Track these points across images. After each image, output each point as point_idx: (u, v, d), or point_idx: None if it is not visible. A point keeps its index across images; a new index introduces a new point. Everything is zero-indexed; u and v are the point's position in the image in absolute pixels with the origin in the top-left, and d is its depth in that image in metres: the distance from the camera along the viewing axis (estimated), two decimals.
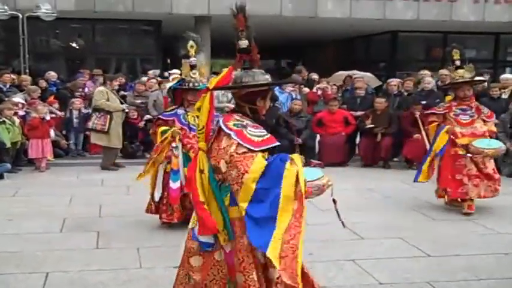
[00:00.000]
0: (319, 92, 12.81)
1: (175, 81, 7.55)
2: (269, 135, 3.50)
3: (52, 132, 11.60)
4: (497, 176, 7.89)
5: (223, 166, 3.40)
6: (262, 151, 3.41)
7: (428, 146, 9.98)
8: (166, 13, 18.00)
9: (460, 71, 7.75)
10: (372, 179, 10.46)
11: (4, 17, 16.33)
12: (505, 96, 11.82)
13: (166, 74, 15.50)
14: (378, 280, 5.18)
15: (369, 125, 11.59)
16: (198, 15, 18.07)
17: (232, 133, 3.40)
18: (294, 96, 12.49)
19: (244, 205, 3.33)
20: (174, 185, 6.67)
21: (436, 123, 8.04)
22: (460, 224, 7.27)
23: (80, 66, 17.95)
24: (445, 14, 19.28)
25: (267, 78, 3.65)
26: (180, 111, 6.81)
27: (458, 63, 7.77)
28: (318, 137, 12.29)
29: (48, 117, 11.20)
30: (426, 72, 13.19)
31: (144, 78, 14.27)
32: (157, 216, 6.90)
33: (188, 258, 3.62)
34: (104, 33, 20.96)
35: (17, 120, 10.82)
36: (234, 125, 3.46)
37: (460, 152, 7.72)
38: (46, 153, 11.11)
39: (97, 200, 8.37)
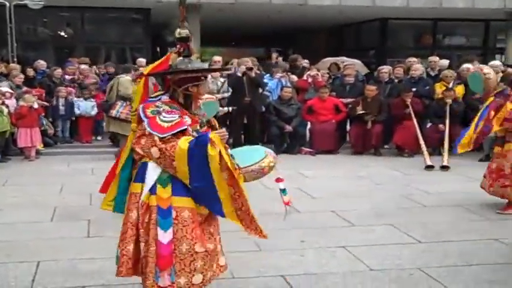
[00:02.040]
0: (310, 80, 12.79)
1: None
2: (179, 119, 3.65)
3: (44, 121, 11.57)
4: None
5: (154, 153, 3.61)
6: (172, 135, 3.61)
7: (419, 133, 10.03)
8: (155, 1, 17.94)
9: None
10: (363, 166, 10.48)
11: None
12: None
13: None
14: (369, 266, 5.20)
15: (360, 111, 11.60)
16: (188, 3, 17.99)
17: (145, 120, 3.64)
18: (283, 84, 12.48)
19: (187, 182, 3.63)
20: None
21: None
22: (451, 211, 7.29)
23: (68, 55, 17.84)
24: (434, 1, 19.31)
25: (202, 66, 3.88)
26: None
27: None
28: (309, 125, 12.29)
29: (36, 106, 11.13)
30: (414, 59, 13.19)
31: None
32: None
33: None
34: (93, 21, 20.82)
35: (5, 110, 10.74)
36: (151, 111, 3.68)
37: None
38: (35, 142, 11.06)
39: (88, 189, 8.31)
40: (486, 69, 8.09)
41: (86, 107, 12.47)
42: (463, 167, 9.95)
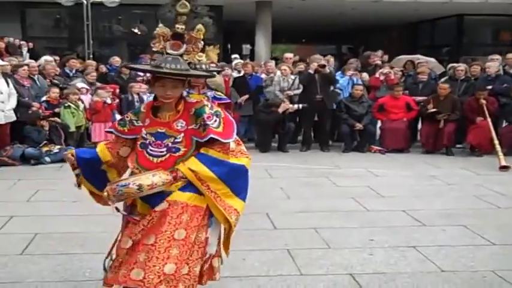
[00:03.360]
0: (382, 77, 12.62)
1: None
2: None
3: (118, 117, 11.83)
4: None
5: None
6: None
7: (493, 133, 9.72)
8: None
9: None
10: (434, 165, 10.27)
11: (69, 3, 16.69)
12: None
13: (232, 57, 15.56)
14: (440, 268, 5.09)
15: (431, 109, 11.37)
16: (259, 0, 18.05)
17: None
18: (355, 81, 12.37)
19: None
20: None
21: None
22: None
23: (141, 51, 18.19)
24: None
25: (173, 67, 3.64)
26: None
27: None
28: (379, 123, 12.15)
29: (109, 101, 11.40)
30: (497, 56, 12.82)
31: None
32: None
33: None
34: None
35: (81, 105, 11.06)
36: (133, 112, 3.88)
37: None
38: (108, 136, 11.29)
39: None
40: None
41: None
42: None
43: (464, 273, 4.96)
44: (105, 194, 3.56)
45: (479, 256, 5.42)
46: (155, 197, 3.52)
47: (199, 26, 3.71)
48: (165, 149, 3.60)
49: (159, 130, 3.63)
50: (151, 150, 3.61)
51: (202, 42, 6.99)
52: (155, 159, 3.60)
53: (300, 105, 11.44)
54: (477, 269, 5.06)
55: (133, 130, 3.73)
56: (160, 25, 3.69)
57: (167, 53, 3.67)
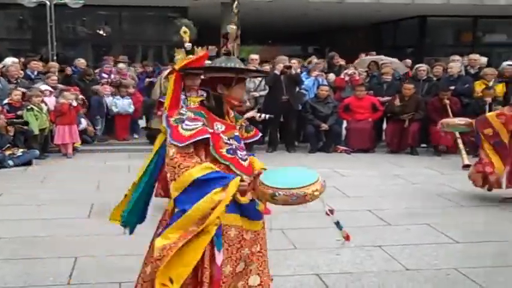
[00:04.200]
0: (347, 78, 12.71)
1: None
2: (201, 127, 3.30)
3: (84, 121, 11.74)
4: None
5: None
6: (190, 144, 3.26)
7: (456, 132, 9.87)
8: None
9: None
10: (399, 165, 10.38)
11: (32, 5, 16.46)
12: None
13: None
14: (405, 266, 5.15)
15: (398, 103, 11.49)
16: (225, 1, 18.02)
17: (169, 130, 3.32)
18: (320, 82, 12.43)
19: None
20: None
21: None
22: (488, 211, 7.19)
23: (106, 53, 18.05)
24: None
25: (235, 65, 3.41)
26: (182, 96, 6.78)
27: None
28: (345, 123, 12.23)
29: (75, 103, 11.28)
30: (457, 57, 13.02)
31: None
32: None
33: None
34: (131, 20, 21.04)
35: (44, 107, 10.92)
36: (175, 120, 3.34)
37: None
38: (74, 139, 11.20)
39: (124, 186, 8.34)
40: None
41: (123, 104, 12.57)
42: None
43: (428, 272, 5.03)
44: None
45: (443, 254, 5.50)
46: (254, 209, 3.42)
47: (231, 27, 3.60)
48: (244, 152, 3.52)
49: (235, 133, 3.51)
50: (240, 154, 3.47)
51: (190, 44, 6.98)
52: (245, 163, 3.48)
53: (267, 116, 11.31)
54: (441, 267, 5.13)
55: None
56: (233, 25, 3.59)
57: (226, 54, 3.51)
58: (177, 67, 3.24)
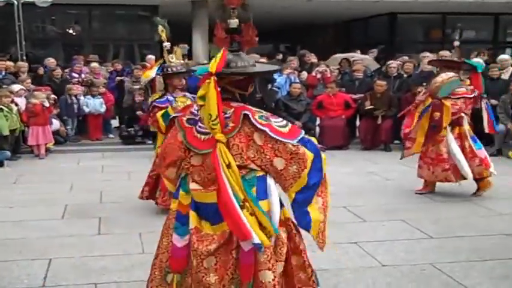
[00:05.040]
0: (319, 76, 12.76)
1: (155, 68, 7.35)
2: (288, 123, 3.36)
3: (56, 121, 11.61)
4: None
5: (279, 163, 3.21)
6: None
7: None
8: None
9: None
10: (373, 162, 10.45)
11: None
12: (504, 76, 11.78)
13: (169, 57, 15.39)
14: (381, 262, 5.18)
15: (368, 106, 11.57)
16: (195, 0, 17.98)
17: (267, 129, 3.21)
18: (292, 80, 12.45)
19: (293, 194, 3.30)
20: None
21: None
22: (462, 206, 7.27)
23: (76, 52, 17.85)
24: None
25: (264, 62, 3.52)
26: (170, 97, 6.75)
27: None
28: (318, 120, 12.27)
29: (47, 104, 11.15)
30: (428, 54, 13.13)
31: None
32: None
33: (201, 261, 3.26)
34: (101, 19, 20.84)
35: (14, 108, 10.76)
36: (260, 117, 3.28)
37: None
38: (47, 139, 11.09)
39: (98, 186, 8.35)
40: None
41: (94, 104, 12.45)
42: None
43: (404, 267, 5.06)
44: None
45: (418, 250, 5.55)
46: None
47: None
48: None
49: None
50: (199, 127, 3.45)
51: (168, 43, 6.93)
52: (201, 137, 3.43)
53: None
54: (416, 263, 5.17)
55: None
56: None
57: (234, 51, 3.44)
58: (213, 70, 3.09)
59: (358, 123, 12.49)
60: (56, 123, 11.70)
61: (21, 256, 5.38)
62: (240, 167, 3.20)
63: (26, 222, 6.55)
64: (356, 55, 15.31)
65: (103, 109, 12.53)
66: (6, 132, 10.44)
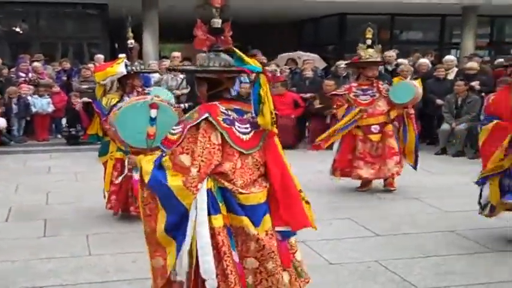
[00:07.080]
0: (269, 75, 12.79)
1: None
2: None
3: (2, 121, 11.38)
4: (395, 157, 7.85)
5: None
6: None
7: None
8: None
9: (370, 50, 7.90)
10: (321, 161, 10.51)
11: None
12: (450, 77, 12.03)
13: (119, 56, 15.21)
14: (329, 260, 5.25)
15: (317, 105, 11.67)
16: None
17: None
18: (242, 80, 12.45)
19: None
20: (137, 175, 6.35)
21: (345, 106, 8.10)
22: (407, 204, 7.40)
23: (24, 51, 17.51)
24: None
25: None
26: (127, 98, 6.62)
27: (369, 42, 7.93)
28: None
29: None
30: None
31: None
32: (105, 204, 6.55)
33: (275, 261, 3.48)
34: (49, 17, 20.47)
35: None
36: (223, 120, 3.30)
37: (359, 134, 7.96)
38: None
39: (44, 188, 8.21)
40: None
41: (41, 104, 12.23)
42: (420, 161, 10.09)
43: (351, 265, 5.14)
44: None
45: (364, 247, 5.64)
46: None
47: None
48: (246, 126, 3.59)
49: (235, 107, 3.60)
50: (238, 127, 3.51)
51: (132, 41, 6.82)
52: (244, 137, 3.53)
53: (186, 104, 11.17)
54: (362, 260, 5.25)
55: None
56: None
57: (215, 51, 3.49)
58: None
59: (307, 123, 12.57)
60: (3, 123, 11.43)
61: None
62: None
63: None
64: (302, 53, 15.42)
65: (50, 109, 12.32)
66: None
